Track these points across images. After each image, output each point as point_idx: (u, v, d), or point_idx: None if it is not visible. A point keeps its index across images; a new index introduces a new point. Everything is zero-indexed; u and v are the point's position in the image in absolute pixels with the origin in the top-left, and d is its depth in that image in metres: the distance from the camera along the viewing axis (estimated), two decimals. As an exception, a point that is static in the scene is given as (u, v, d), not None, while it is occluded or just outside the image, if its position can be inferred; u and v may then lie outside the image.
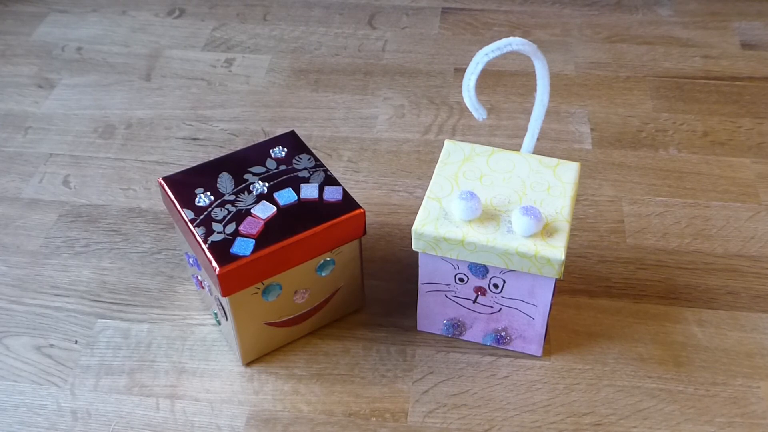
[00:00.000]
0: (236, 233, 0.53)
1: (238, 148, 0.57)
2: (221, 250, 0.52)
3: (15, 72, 0.91)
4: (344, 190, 0.57)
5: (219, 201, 0.56)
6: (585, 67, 0.90)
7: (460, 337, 0.61)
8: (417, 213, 0.54)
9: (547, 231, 0.52)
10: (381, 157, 0.78)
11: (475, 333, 0.60)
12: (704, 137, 0.80)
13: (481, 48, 0.54)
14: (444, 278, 0.57)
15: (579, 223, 0.70)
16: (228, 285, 0.52)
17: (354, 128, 0.82)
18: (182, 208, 0.56)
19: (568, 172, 0.57)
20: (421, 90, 0.87)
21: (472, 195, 0.53)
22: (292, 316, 0.59)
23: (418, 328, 0.62)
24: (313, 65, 0.91)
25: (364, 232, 0.58)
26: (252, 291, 0.54)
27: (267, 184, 0.57)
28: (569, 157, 0.76)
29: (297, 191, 0.57)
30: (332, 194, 0.57)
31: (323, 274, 0.58)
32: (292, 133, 0.62)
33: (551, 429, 0.55)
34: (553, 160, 0.57)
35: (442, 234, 0.52)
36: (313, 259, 0.56)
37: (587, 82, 0.87)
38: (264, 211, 0.55)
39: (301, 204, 0.56)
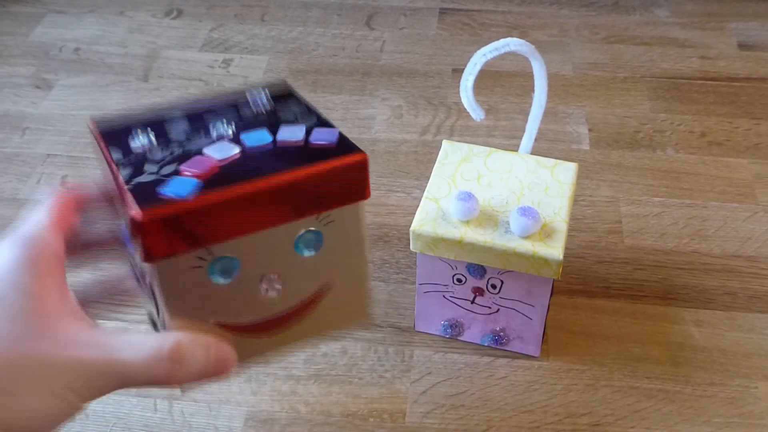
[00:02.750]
0: (175, 174, 0.36)
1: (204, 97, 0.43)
2: (147, 192, 0.34)
3: (12, 72, 0.91)
4: (341, 133, 0.39)
5: (162, 141, 0.38)
6: (582, 67, 0.90)
7: (458, 338, 0.61)
8: (415, 213, 0.54)
9: (544, 231, 0.52)
10: (379, 157, 0.78)
11: (473, 333, 0.60)
12: (702, 138, 0.80)
13: (479, 49, 0.54)
14: (442, 279, 0.57)
15: (577, 224, 0.70)
16: (153, 242, 0.33)
17: (352, 129, 0.82)
18: (108, 147, 0.38)
19: (565, 172, 0.57)
20: (419, 90, 0.87)
21: (469, 195, 0.53)
22: (257, 320, 0.39)
23: (416, 328, 0.62)
24: (311, 66, 0.91)
25: (368, 193, 0.39)
26: (192, 262, 0.36)
27: (234, 126, 0.40)
28: (567, 158, 0.76)
29: (273, 133, 0.39)
30: (323, 136, 0.38)
31: (305, 253, 0.39)
32: (284, 83, 0.45)
33: (549, 429, 0.55)
34: (551, 161, 0.58)
35: (440, 234, 0.52)
36: (288, 225, 0.37)
37: (585, 83, 0.88)
38: (221, 151, 0.37)
39: (277, 147, 0.38)
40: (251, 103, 0.42)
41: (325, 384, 0.59)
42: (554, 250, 0.51)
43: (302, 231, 0.38)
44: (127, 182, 0.35)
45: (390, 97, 0.86)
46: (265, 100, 0.42)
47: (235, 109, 0.41)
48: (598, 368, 0.59)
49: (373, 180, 0.76)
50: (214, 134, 0.39)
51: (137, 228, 0.33)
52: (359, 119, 0.83)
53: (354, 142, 0.38)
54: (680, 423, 0.56)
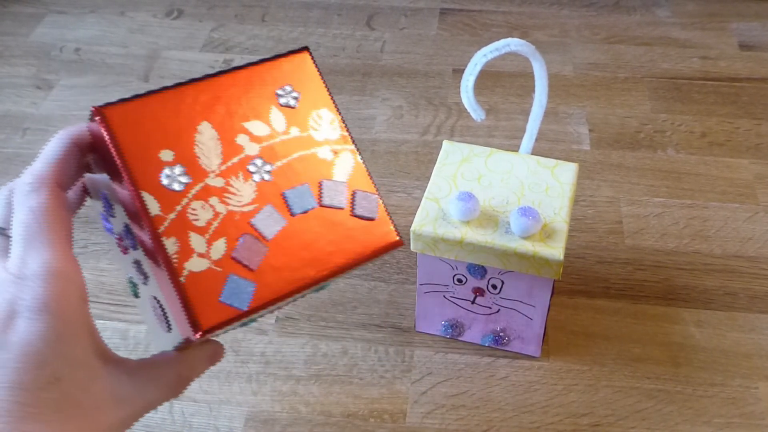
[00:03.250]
0: (228, 264, 0.34)
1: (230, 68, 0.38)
2: (203, 293, 0.33)
3: (13, 73, 0.91)
4: (379, 199, 0.39)
5: (199, 187, 0.34)
6: (583, 68, 0.90)
7: (459, 338, 0.61)
8: (415, 214, 0.54)
9: (545, 232, 0.52)
10: (379, 157, 0.78)
11: (473, 334, 0.60)
12: (702, 138, 0.80)
13: (479, 49, 0.54)
14: (442, 279, 0.57)
15: (577, 224, 0.70)
16: (205, 334, 0.33)
17: (352, 129, 0.82)
18: (139, 187, 0.33)
19: (566, 172, 0.57)
20: (420, 91, 0.87)
21: (470, 196, 0.53)
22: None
23: (417, 328, 0.62)
24: (312, 66, 0.91)
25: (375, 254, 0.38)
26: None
27: (271, 167, 0.36)
28: (567, 158, 0.76)
29: (317, 190, 0.37)
30: (365, 205, 0.38)
31: (319, 291, 0.39)
32: (305, 57, 0.40)
33: (549, 430, 0.55)
34: (552, 161, 0.57)
35: (441, 234, 0.52)
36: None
37: (585, 83, 0.88)
38: (270, 224, 0.35)
39: (322, 215, 0.36)
40: (280, 105, 0.38)
41: (325, 384, 0.59)
42: (555, 250, 0.51)
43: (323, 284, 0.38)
44: (174, 269, 0.33)
45: (390, 97, 0.86)
46: (295, 103, 0.39)
47: (266, 117, 0.38)
48: (599, 368, 0.59)
49: (374, 180, 0.75)
50: (254, 179, 0.36)
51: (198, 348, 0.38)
52: (360, 119, 0.83)
53: (389, 213, 0.39)
54: (681, 423, 0.56)
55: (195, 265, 0.33)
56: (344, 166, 0.39)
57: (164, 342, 0.38)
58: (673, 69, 0.90)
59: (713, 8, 1.00)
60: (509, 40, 0.54)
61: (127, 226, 0.36)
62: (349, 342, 0.62)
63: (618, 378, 0.58)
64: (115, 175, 0.34)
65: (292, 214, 0.36)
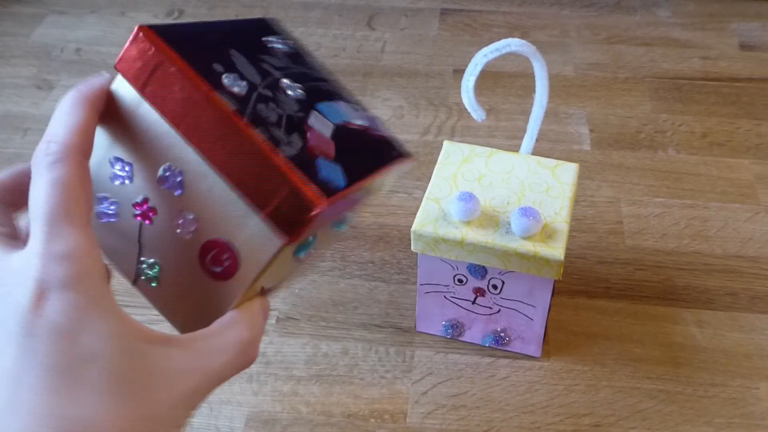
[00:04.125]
0: (309, 151, 0.34)
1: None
2: (307, 169, 0.33)
3: (13, 73, 0.91)
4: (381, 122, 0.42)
5: (256, 93, 0.35)
6: (584, 68, 0.90)
7: (459, 338, 0.61)
8: (416, 214, 0.54)
9: (545, 232, 0.52)
10: (380, 158, 0.78)
11: (474, 334, 0.60)
12: (703, 138, 0.80)
13: (479, 49, 0.54)
14: (443, 279, 0.57)
15: (578, 224, 0.70)
16: (307, 229, 0.33)
17: (353, 129, 0.82)
18: (211, 87, 0.32)
19: (566, 173, 0.57)
20: (420, 91, 0.87)
21: (470, 196, 0.53)
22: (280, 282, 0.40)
23: (417, 329, 0.62)
24: (312, 66, 0.91)
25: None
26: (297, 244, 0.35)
27: (300, 87, 0.38)
28: (568, 158, 0.76)
29: (341, 109, 0.39)
30: (377, 125, 0.41)
31: (340, 229, 0.40)
32: (263, 21, 0.44)
33: (550, 430, 0.55)
34: (552, 161, 0.57)
35: (441, 235, 0.52)
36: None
37: (586, 83, 0.88)
38: (322, 127, 0.36)
39: (351, 129, 0.38)
40: (279, 51, 0.40)
41: (326, 384, 0.59)
42: (555, 250, 0.51)
43: (347, 214, 0.39)
44: (273, 149, 0.32)
45: (391, 97, 0.86)
46: (287, 48, 0.41)
47: (273, 53, 0.39)
48: (600, 369, 0.59)
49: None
50: (291, 93, 0.37)
51: (311, 215, 0.32)
52: (360, 120, 0.83)
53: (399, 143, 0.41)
54: (681, 423, 0.56)
55: (286, 151, 0.33)
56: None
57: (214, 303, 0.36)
58: (673, 69, 0.90)
59: (714, 8, 1.00)
60: (510, 40, 0.54)
61: (165, 175, 0.35)
62: (350, 342, 0.62)
63: (619, 378, 0.58)
64: (166, 99, 0.33)
65: (332, 122, 0.37)
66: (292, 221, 0.32)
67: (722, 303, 0.64)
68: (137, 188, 0.35)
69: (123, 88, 0.34)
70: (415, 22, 0.98)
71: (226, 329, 0.33)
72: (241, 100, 0.33)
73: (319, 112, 0.37)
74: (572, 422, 0.56)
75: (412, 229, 0.53)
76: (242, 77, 0.35)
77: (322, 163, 0.34)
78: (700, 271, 0.66)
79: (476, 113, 0.57)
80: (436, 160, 0.58)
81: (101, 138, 0.35)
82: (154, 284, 0.38)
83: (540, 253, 0.51)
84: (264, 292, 0.38)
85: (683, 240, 0.69)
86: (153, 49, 0.32)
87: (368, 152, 0.38)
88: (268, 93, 0.35)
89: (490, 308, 0.58)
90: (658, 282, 0.65)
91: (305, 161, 0.33)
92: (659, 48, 0.93)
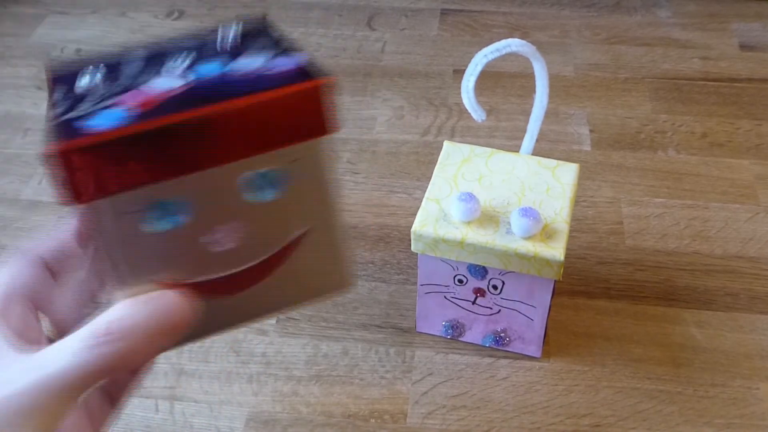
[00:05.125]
0: (107, 108, 0.31)
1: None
2: (69, 127, 0.29)
3: (14, 73, 0.91)
4: (308, 60, 0.33)
5: (111, 79, 0.33)
6: (584, 68, 0.90)
7: (459, 339, 0.61)
8: (416, 214, 0.54)
9: (546, 232, 0.52)
10: (380, 158, 0.78)
11: (474, 334, 0.60)
12: (703, 139, 0.80)
13: (480, 49, 0.54)
14: (443, 279, 0.57)
15: (578, 225, 0.70)
16: (79, 179, 0.28)
17: (353, 129, 0.82)
18: (54, 88, 0.32)
19: (567, 173, 0.57)
20: (420, 91, 0.87)
21: (471, 196, 0.53)
22: (215, 277, 0.33)
23: (417, 329, 0.62)
24: (312, 67, 0.91)
25: (328, 127, 0.32)
26: (130, 206, 0.30)
27: (189, 60, 0.34)
28: (568, 159, 0.76)
29: (228, 63, 0.34)
30: (282, 62, 0.33)
31: (264, 198, 0.33)
32: (262, 17, 0.40)
33: (550, 430, 0.55)
34: (552, 162, 0.57)
35: (441, 235, 0.52)
36: (239, 163, 0.31)
37: (586, 84, 0.88)
38: (163, 84, 0.32)
39: (227, 76, 0.32)
40: (219, 39, 0.37)
41: (326, 385, 0.59)
42: (555, 250, 0.51)
43: (256, 171, 0.32)
44: (54, 119, 0.29)
45: (391, 97, 0.86)
46: (234, 35, 0.37)
47: (200, 45, 0.36)
48: (600, 369, 0.59)
49: (375, 181, 0.76)
50: (168, 70, 0.33)
51: (57, 164, 0.28)
52: (360, 120, 0.83)
53: (321, 69, 0.32)
54: (682, 424, 0.56)
55: (73, 114, 0.30)
56: None
57: None
58: (673, 69, 0.90)
59: (714, 9, 1.00)
60: (510, 40, 0.54)
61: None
62: (350, 342, 0.62)
63: (619, 379, 0.58)
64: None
65: (193, 79, 0.33)
66: (65, 176, 0.28)
67: (722, 303, 0.64)
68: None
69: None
70: (415, 23, 0.98)
71: (80, 331, 0.31)
72: (72, 92, 0.32)
73: (188, 74, 0.32)
74: (572, 423, 0.56)
75: (413, 229, 0.53)
76: (107, 74, 0.33)
77: (104, 114, 0.30)
78: (700, 271, 0.66)
79: (476, 113, 0.57)
80: (437, 161, 0.58)
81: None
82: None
83: (540, 254, 0.51)
84: (175, 286, 0.33)
85: (683, 240, 0.69)
86: (48, 79, 0.33)
87: (224, 91, 0.31)
88: (130, 75, 0.33)
89: (490, 308, 0.58)
90: (659, 282, 0.65)
91: (81, 119, 0.29)
92: (659, 48, 0.93)
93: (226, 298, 0.34)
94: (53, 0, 1.04)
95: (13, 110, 0.86)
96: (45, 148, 0.28)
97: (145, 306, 0.31)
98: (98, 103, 0.31)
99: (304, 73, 0.31)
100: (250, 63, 0.33)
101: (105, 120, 0.29)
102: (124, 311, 0.31)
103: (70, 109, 0.30)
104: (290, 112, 0.31)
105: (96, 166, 0.29)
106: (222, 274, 0.33)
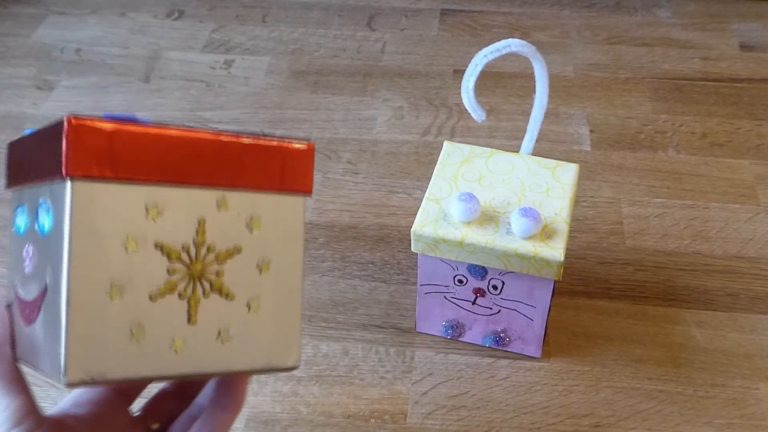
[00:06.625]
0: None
1: None
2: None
3: (14, 74, 0.91)
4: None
5: None
6: (584, 68, 0.90)
7: (459, 339, 0.61)
8: (416, 214, 0.54)
9: (546, 232, 0.52)
10: (380, 158, 0.78)
11: (474, 334, 0.60)
12: (703, 139, 0.80)
13: (480, 49, 0.54)
14: (443, 279, 0.57)
15: (578, 225, 0.70)
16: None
17: (353, 130, 0.82)
18: None
19: (567, 173, 0.57)
20: (420, 91, 0.87)
21: (471, 196, 0.53)
22: (26, 299, 0.33)
23: (417, 329, 0.62)
24: (313, 67, 0.91)
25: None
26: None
27: None
28: (568, 159, 0.76)
29: None
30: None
31: (39, 224, 0.32)
32: None
33: (550, 430, 0.55)
34: (552, 162, 0.57)
35: (441, 235, 0.52)
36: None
37: (586, 84, 0.88)
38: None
39: None
40: None
41: (326, 385, 0.59)
42: (555, 251, 0.51)
43: (40, 196, 0.32)
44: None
45: (391, 98, 0.86)
46: None
47: None
48: (600, 369, 0.59)
49: (375, 181, 0.76)
50: None
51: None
52: (360, 120, 0.83)
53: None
54: (682, 424, 0.56)
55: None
56: None
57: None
58: (673, 70, 0.90)
59: (714, 9, 1.00)
60: (510, 40, 0.54)
61: None
62: (350, 343, 0.62)
63: (619, 379, 0.58)
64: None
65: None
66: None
67: (722, 303, 0.64)
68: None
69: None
70: (415, 23, 0.98)
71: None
72: None
73: None
74: (572, 423, 0.56)
75: (412, 229, 0.53)
76: None
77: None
78: (700, 271, 0.66)
79: (476, 114, 0.57)
80: (437, 161, 0.58)
81: None
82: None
83: (540, 254, 0.51)
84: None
85: (683, 240, 0.69)
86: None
87: None
88: None
89: (490, 309, 0.58)
90: (659, 282, 0.65)
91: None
92: (659, 48, 0.93)
93: (25, 326, 0.33)
94: (53, 0, 1.04)
95: (13, 110, 0.86)
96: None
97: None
98: None
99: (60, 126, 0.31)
100: None
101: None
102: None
103: None
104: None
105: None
106: (27, 297, 0.33)
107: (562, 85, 0.87)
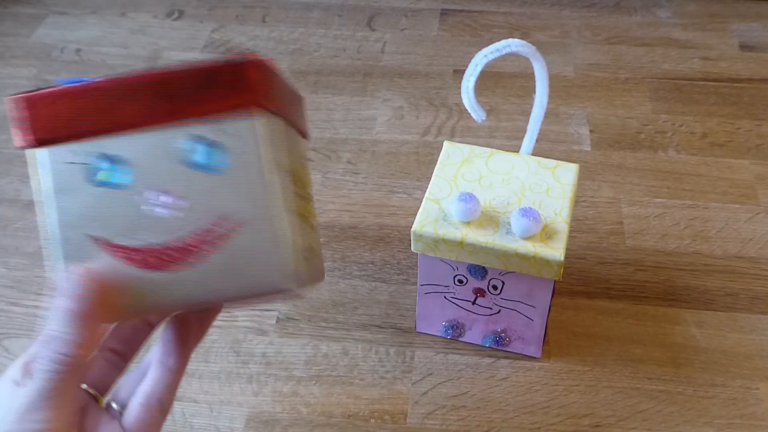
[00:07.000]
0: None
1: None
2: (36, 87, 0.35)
3: (14, 74, 0.91)
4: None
5: None
6: (584, 68, 0.90)
7: (459, 339, 0.61)
8: (416, 214, 0.54)
9: (546, 232, 0.52)
10: (380, 158, 0.78)
11: (474, 334, 0.60)
12: (703, 139, 0.80)
13: (480, 49, 0.54)
14: (443, 280, 0.57)
15: (578, 225, 0.70)
16: (36, 119, 0.33)
17: (353, 130, 0.82)
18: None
19: (567, 173, 0.57)
20: (420, 91, 0.87)
21: (471, 196, 0.53)
22: (146, 245, 0.34)
23: (417, 329, 0.62)
24: (312, 67, 0.91)
25: (264, 101, 0.34)
26: (71, 156, 0.33)
27: None
28: (568, 159, 0.76)
29: None
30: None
31: (200, 167, 0.34)
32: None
33: (550, 430, 0.55)
34: (552, 162, 0.57)
35: (441, 235, 0.52)
36: (173, 130, 0.34)
37: (586, 84, 0.88)
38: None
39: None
40: None
41: (326, 385, 0.59)
42: (555, 251, 0.51)
43: (189, 139, 0.34)
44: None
45: (391, 98, 0.86)
46: None
47: None
48: (600, 369, 0.59)
49: (375, 181, 0.76)
50: None
51: (20, 109, 0.33)
52: (360, 120, 0.83)
53: (263, 54, 0.35)
54: (682, 424, 0.56)
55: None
56: None
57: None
58: (673, 70, 0.90)
59: (714, 9, 1.00)
60: (510, 40, 0.54)
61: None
62: (350, 343, 0.62)
63: (619, 379, 0.58)
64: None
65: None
66: (20, 130, 0.34)
67: (722, 303, 0.64)
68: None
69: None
70: (415, 23, 0.98)
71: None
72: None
73: None
74: (572, 423, 0.56)
75: (412, 229, 0.53)
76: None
77: (69, 80, 0.34)
78: (700, 271, 0.66)
79: (476, 114, 0.57)
80: (437, 161, 0.58)
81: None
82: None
83: (540, 254, 0.51)
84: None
85: (683, 240, 0.69)
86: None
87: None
88: None
89: (490, 309, 0.58)
90: (659, 282, 0.65)
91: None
92: (659, 48, 0.93)
93: (156, 272, 0.34)
94: (53, 0, 1.04)
95: (13, 110, 0.86)
96: (11, 98, 0.32)
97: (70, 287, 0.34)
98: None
99: (239, 55, 0.34)
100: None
101: (67, 81, 0.33)
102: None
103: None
104: (222, 82, 0.33)
105: (54, 111, 0.33)
106: (152, 242, 0.34)
107: (562, 85, 0.87)
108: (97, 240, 0.34)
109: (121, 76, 0.33)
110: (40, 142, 0.33)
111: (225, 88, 0.33)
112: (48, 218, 0.33)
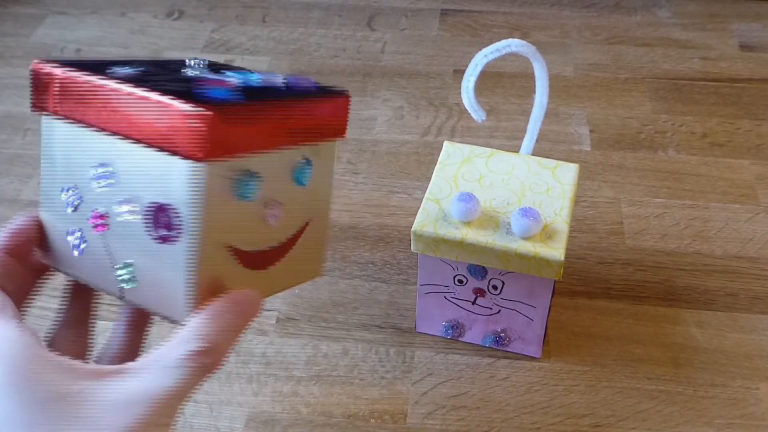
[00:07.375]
0: (197, 83, 0.35)
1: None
2: (185, 95, 0.32)
3: (14, 74, 0.91)
4: (316, 81, 0.42)
5: (152, 70, 0.37)
6: (584, 68, 0.90)
7: (459, 339, 0.61)
8: (416, 214, 0.54)
9: (546, 232, 0.52)
10: (380, 158, 0.78)
11: (474, 334, 0.60)
12: (703, 139, 0.80)
13: (480, 49, 0.54)
14: (443, 279, 0.57)
15: (578, 225, 0.70)
16: (213, 138, 0.32)
17: (353, 129, 0.82)
18: (91, 76, 0.35)
19: (567, 173, 0.57)
20: (420, 91, 0.87)
21: (471, 196, 0.53)
22: (260, 249, 0.38)
23: (417, 329, 0.62)
24: (312, 67, 0.91)
25: (343, 131, 0.44)
26: (225, 171, 0.34)
27: (202, 66, 0.41)
28: (568, 159, 0.76)
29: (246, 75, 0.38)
30: (301, 82, 0.41)
31: (300, 182, 0.40)
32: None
33: (550, 430, 0.55)
34: (552, 162, 0.57)
35: (441, 235, 0.52)
36: (290, 151, 0.39)
37: (586, 84, 0.88)
38: (231, 77, 0.36)
39: (265, 87, 0.38)
40: (194, 64, 0.42)
41: (326, 385, 0.59)
42: (555, 251, 0.51)
43: (299, 158, 0.39)
44: (151, 89, 0.32)
45: (391, 98, 0.86)
46: (203, 63, 0.42)
47: (184, 65, 0.41)
48: (600, 369, 0.59)
49: (375, 181, 0.76)
50: (192, 73, 0.38)
51: (200, 123, 0.31)
52: (360, 120, 0.83)
53: (337, 88, 0.43)
54: (682, 424, 0.56)
55: (167, 87, 0.34)
56: None
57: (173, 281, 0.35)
58: (673, 70, 0.90)
59: (714, 9, 1.00)
60: (510, 40, 0.54)
61: (98, 173, 0.36)
62: (350, 343, 0.62)
63: (619, 379, 0.58)
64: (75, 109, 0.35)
65: (242, 80, 0.38)
66: (190, 142, 0.32)
67: (722, 303, 0.64)
68: (86, 205, 0.37)
69: (49, 127, 0.37)
70: (415, 23, 0.98)
71: (176, 347, 0.33)
72: (129, 78, 0.34)
73: (224, 76, 0.37)
74: (572, 423, 0.56)
75: (413, 229, 0.53)
76: (133, 66, 0.36)
77: (214, 90, 0.34)
78: (700, 271, 0.66)
79: (476, 114, 0.57)
80: (436, 161, 0.58)
81: (49, 178, 0.37)
82: (133, 285, 0.37)
83: (540, 254, 0.51)
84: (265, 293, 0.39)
85: (684, 240, 0.69)
86: (51, 71, 0.35)
87: (290, 93, 0.39)
88: (161, 70, 0.37)
89: (490, 309, 0.58)
90: (659, 282, 0.65)
91: (187, 91, 0.33)
92: (659, 48, 0.93)
93: (257, 272, 0.39)
94: (53, 0, 1.04)
95: (13, 110, 0.86)
96: (196, 110, 0.31)
97: (233, 307, 0.35)
98: (175, 83, 0.35)
99: (325, 90, 0.43)
100: (273, 79, 0.39)
101: (220, 94, 0.34)
102: (214, 319, 0.34)
103: (148, 84, 0.33)
104: (326, 114, 0.42)
105: (230, 132, 0.33)
106: (265, 248, 0.39)
107: (562, 85, 0.87)
108: (229, 248, 0.36)
109: (277, 104, 0.36)
110: (208, 157, 0.32)
111: (334, 119, 0.43)
112: (192, 228, 0.34)
